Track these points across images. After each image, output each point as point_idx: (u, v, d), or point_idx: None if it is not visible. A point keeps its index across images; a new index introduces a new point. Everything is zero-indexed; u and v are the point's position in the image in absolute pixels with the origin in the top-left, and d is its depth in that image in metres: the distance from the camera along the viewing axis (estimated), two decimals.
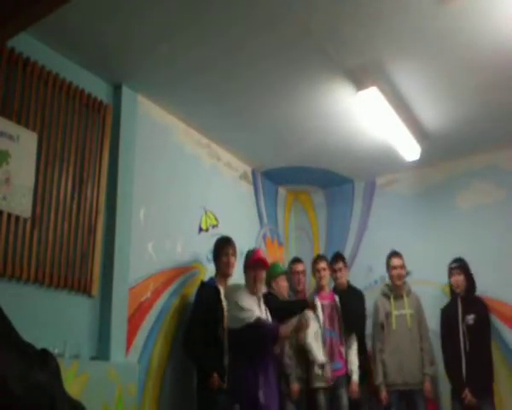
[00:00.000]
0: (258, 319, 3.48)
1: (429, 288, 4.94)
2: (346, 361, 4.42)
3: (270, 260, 5.42)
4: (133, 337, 3.68)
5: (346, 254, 5.62)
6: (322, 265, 4.75)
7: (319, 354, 4.22)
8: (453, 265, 4.55)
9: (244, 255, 3.92)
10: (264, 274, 3.75)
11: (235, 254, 4.16)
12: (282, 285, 4.49)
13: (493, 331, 4.62)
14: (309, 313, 4.15)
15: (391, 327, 4.58)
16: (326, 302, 4.49)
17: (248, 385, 3.42)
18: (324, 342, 4.32)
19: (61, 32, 3.33)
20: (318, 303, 4.33)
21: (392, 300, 4.66)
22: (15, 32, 2.19)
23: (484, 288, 4.77)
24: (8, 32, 2.18)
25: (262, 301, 3.76)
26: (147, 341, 3.79)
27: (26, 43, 3.27)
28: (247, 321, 3.45)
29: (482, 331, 4.31)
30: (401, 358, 4.46)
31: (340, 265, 4.91)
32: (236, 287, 3.80)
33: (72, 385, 2.91)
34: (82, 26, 3.30)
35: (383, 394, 4.45)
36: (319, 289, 4.63)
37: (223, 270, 4.07)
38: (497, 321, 4.67)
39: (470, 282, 4.49)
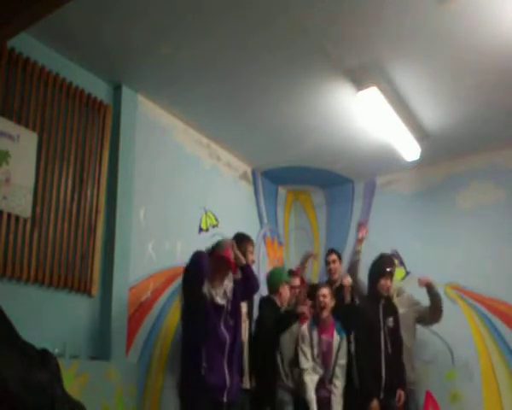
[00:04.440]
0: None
1: None
2: (331, 393, 4.12)
3: (270, 260, 5.45)
4: (133, 337, 3.68)
5: (346, 254, 5.62)
6: (333, 257, 4.76)
7: (313, 399, 4.01)
8: (390, 269, 4.34)
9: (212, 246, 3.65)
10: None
11: (253, 251, 4.05)
12: (288, 293, 4.32)
13: (494, 332, 4.63)
14: (306, 350, 4.11)
15: None
16: (325, 337, 4.17)
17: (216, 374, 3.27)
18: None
19: (61, 32, 3.34)
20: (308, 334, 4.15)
21: None
22: (15, 32, 2.20)
23: (484, 288, 4.78)
24: (8, 32, 2.18)
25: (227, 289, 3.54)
26: (147, 341, 3.79)
27: (26, 43, 3.27)
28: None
29: (399, 334, 4.19)
30: None
31: (334, 257, 4.84)
32: None
33: (72, 385, 2.90)
34: (82, 26, 3.31)
35: None
36: (319, 320, 4.26)
37: None
38: (497, 322, 4.67)
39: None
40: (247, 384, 3.77)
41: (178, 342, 3.76)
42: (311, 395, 4.00)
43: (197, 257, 3.34)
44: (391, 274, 4.32)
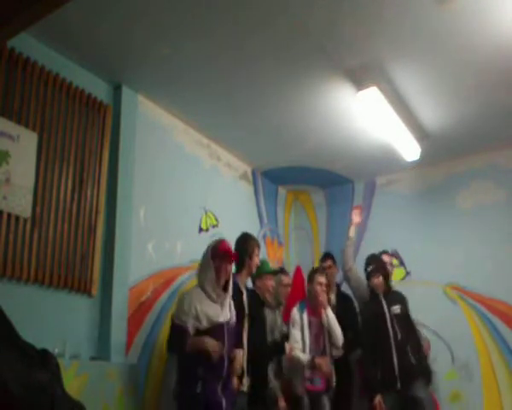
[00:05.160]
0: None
1: (429, 288, 4.93)
2: (328, 379, 4.22)
3: (270, 260, 5.44)
4: (133, 337, 3.68)
5: None
6: (328, 263, 4.88)
7: (304, 356, 4.10)
8: (370, 268, 4.42)
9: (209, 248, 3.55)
10: (230, 268, 3.50)
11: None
12: (269, 284, 4.23)
13: (494, 332, 4.64)
14: (295, 333, 4.18)
15: None
16: (314, 320, 4.29)
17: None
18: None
19: (61, 32, 3.34)
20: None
21: None
22: (15, 32, 2.20)
23: (484, 288, 4.78)
24: (8, 32, 2.18)
25: (228, 297, 3.48)
26: (147, 341, 3.79)
27: (26, 43, 3.27)
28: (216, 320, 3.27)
29: (408, 320, 4.24)
30: None
31: (329, 262, 4.94)
32: (195, 292, 3.44)
33: (72, 385, 2.90)
34: (82, 27, 3.31)
35: None
36: (311, 304, 4.36)
37: (251, 269, 3.95)
38: (497, 322, 4.67)
39: (386, 278, 4.39)
40: (246, 387, 3.76)
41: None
42: (304, 357, 4.07)
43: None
44: (374, 271, 4.34)
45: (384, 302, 4.25)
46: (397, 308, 4.22)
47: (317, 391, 4.17)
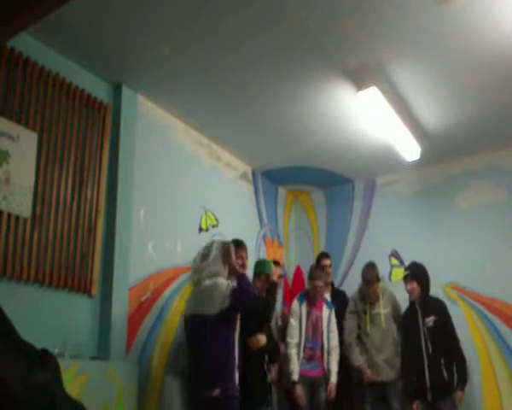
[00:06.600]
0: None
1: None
2: (324, 366, 4.39)
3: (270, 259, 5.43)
4: (133, 337, 3.68)
5: (347, 254, 5.65)
6: (329, 261, 5.01)
7: (295, 370, 4.27)
8: (405, 273, 4.45)
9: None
10: None
11: (247, 256, 4.11)
12: (261, 283, 4.29)
13: (494, 332, 4.63)
14: (293, 324, 4.38)
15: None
16: (313, 311, 4.46)
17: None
18: (304, 350, 4.34)
19: (61, 32, 3.34)
20: (303, 311, 4.44)
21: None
22: (15, 32, 2.20)
23: (484, 288, 4.78)
24: (8, 32, 2.18)
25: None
26: (147, 341, 3.79)
27: (26, 43, 3.27)
28: (231, 287, 3.28)
29: (443, 332, 4.20)
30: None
31: (330, 261, 5.03)
32: None
33: (72, 385, 2.90)
34: (82, 27, 3.31)
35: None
36: (311, 296, 4.53)
37: (232, 269, 3.97)
38: (497, 322, 4.67)
39: (423, 286, 4.33)
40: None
41: (180, 343, 3.77)
42: (295, 367, 4.26)
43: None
44: (409, 277, 4.35)
45: (419, 312, 4.24)
46: (430, 320, 4.19)
47: (314, 377, 4.32)
